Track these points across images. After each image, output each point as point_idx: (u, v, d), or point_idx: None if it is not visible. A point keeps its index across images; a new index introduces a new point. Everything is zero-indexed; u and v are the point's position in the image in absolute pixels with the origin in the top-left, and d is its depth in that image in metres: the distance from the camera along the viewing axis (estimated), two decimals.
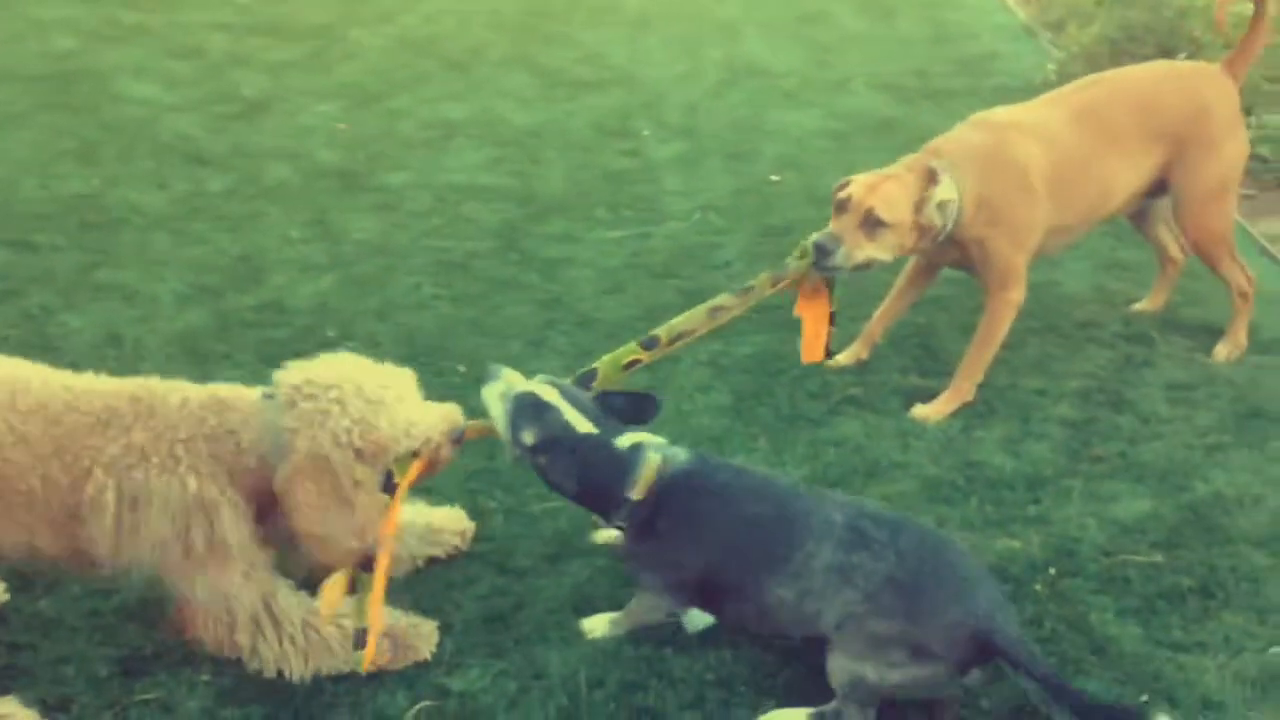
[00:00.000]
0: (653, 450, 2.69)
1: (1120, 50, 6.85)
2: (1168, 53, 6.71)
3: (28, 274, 4.60)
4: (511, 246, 4.96)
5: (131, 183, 5.32)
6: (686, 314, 3.36)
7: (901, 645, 2.47)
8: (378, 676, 2.70)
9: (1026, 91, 6.54)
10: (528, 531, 3.23)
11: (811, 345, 3.61)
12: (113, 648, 2.79)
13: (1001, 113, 3.85)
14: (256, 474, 2.58)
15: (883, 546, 2.52)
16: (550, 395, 2.70)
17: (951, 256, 3.77)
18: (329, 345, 2.63)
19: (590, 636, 2.84)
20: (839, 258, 3.46)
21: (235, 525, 2.57)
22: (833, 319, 3.60)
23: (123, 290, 4.41)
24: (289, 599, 2.68)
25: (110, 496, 2.50)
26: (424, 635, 2.78)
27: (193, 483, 2.52)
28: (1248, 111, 4.58)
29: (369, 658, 2.59)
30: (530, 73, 7.27)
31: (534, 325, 4.30)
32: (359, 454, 2.54)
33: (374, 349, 2.64)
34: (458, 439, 2.74)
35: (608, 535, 3.12)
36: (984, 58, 7.50)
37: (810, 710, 2.59)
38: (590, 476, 2.67)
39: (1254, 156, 5.57)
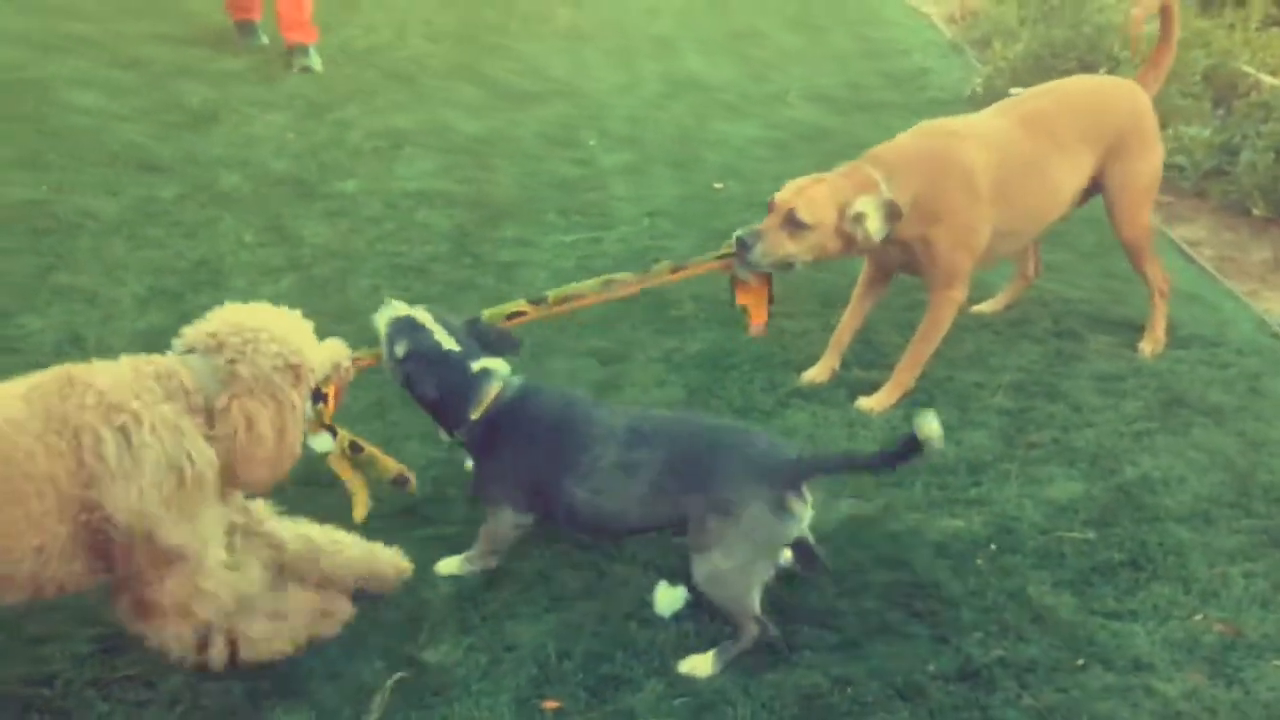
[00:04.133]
0: (497, 378, 3.00)
1: (1044, 65, 7.14)
2: (1088, 68, 7.01)
3: None
4: (465, 251, 5.06)
5: (82, 190, 5.32)
6: (581, 282, 3.69)
7: (708, 511, 2.73)
8: (354, 650, 2.80)
9: (956, 104, 6.83)
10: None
11: (757, 317, 3.83)
12: (92, 627, 2.84)
13: (949, 121, 4.05)
14: (203, 416, 2.56)
15: (659, 440, 2.84)
16: (424, 319, 3.02)
17: (897, 260, 3.94)
18: None
19: (444, 573, 3.07)
20: (756, 253, 3.65)
21: (208, 454, 2.54)
22: (772, 298, 3.82)
23: (82, 293, 4.43)
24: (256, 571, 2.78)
25: (109, 444, 2.41)
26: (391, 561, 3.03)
27: (166, 408, 2.48)
28: (1165, 124, 4.85)
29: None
30: (474, 84, 7.39)
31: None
32: (294, 376, 2.66)
33: None
34: (354, 363, 3.05)
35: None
36: (914, 73, 7.76)
37: (715, 649, 2.80)
38: (445, 390, 2.97)
39: (1171, 166, 5.86)
